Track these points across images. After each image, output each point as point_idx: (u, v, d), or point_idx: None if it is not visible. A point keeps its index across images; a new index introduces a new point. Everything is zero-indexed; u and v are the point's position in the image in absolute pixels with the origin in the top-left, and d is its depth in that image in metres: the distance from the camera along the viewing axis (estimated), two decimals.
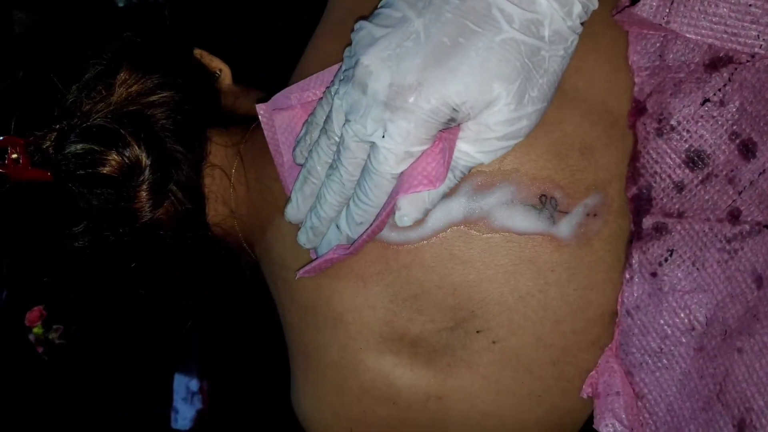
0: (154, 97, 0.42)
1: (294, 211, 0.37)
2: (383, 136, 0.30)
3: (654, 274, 0.36)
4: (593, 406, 0.38)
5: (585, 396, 0.38)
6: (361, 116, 0.31)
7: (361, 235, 0.34)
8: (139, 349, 1.02)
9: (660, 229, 0.36)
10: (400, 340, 0.38)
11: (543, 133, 0.36)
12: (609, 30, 0.38)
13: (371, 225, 0.34)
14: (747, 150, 0.36)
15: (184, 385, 1.11)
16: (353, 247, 0.35)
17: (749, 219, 0.35)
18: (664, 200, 0.36)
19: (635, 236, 0.37)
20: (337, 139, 0.34)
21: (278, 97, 0.40)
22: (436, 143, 0.32)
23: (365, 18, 0.33)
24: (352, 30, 0.33)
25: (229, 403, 1.10)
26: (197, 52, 0.50)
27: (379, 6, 0.32)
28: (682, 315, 0.36)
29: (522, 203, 0.36)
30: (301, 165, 0.37)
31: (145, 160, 0.40)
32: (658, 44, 0.37)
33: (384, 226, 0.35)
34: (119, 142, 0.39)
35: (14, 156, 0.40)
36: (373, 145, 0.31)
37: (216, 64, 0.50)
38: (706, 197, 0.36)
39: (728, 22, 0.35)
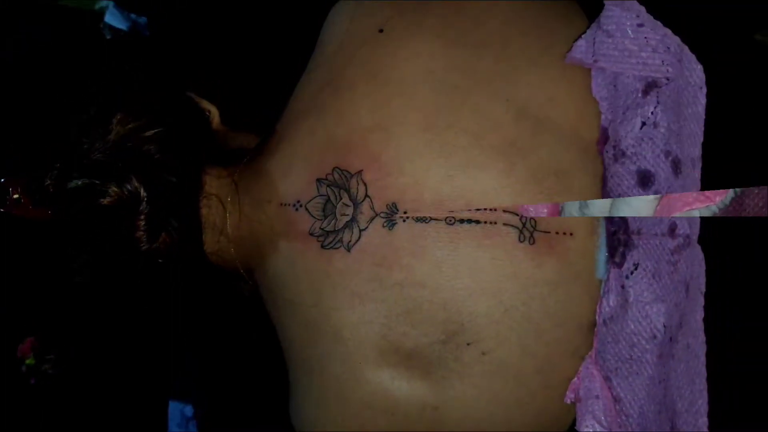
0: (148, 133, 0.44)
1: None
2: None
3: (623, 287, 0.39)
4: (575, 411, 0.40)
5: (568, 401, 0.40)
6: None
7: None
8: (134, 375, 1.02)
9: (628, 245, 0.39)
10: (396, 353, 0.40)
11: (519, 158, 0.39)
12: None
13: None
14: (676, 167, 0.39)
15: (178, 411, 1.11)
16: None
17: (681, 232, 0.37)
18: (629, 219, 0.39)
19: (609, 252, 0.40)
20: None
21: None
22: None
23: None
24: None
25: (225, 428, 1.10)
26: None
27: None
28: (645, 324, 0.38)
29: (504, 224, 0.39)
30: None
31: (142, 192, 0.42)
32: (611, 76, 0.40)
33: None
34: (118, 175, 0.41)
35: (15, 196, 0.41)
36: None
37: (204, 105, 0.51)
38: None
39: (639, 55, 0.38)
